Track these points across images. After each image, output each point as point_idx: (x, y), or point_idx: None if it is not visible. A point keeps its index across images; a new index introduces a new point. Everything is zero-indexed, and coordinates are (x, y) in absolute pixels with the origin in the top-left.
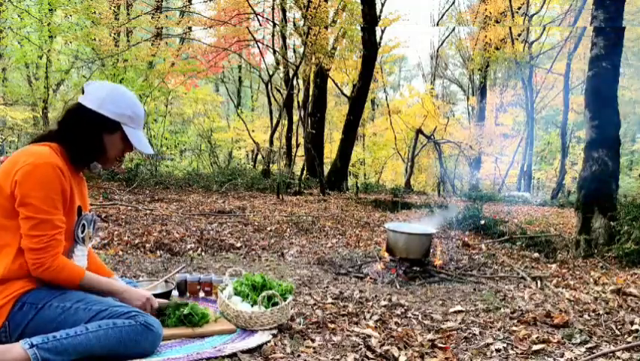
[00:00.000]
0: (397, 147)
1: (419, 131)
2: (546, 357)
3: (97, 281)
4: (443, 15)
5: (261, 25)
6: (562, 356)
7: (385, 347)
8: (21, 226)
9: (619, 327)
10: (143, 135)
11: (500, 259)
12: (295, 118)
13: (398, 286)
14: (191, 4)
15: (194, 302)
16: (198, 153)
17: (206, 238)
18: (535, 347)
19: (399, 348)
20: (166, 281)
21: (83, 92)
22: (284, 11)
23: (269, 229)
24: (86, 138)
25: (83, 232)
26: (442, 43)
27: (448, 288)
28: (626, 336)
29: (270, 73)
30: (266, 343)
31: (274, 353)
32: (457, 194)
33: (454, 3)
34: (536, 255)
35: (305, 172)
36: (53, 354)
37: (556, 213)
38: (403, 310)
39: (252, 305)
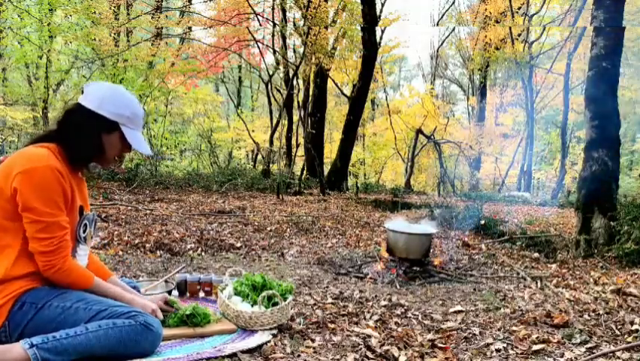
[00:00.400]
0: (397, 147)
1: (419, 131)
2: (546, 357)
3: (105, 288)
4: (443, 15)
5: (261, 25)
6: (562, 356)
7: (385, 347)
8: (27, 230)
9: (619, 327)
10: (142, 136)
11: (500, 259)
12: (295, 118)
13: (398, 286)
14: (191, 4)
15: (195, 303)
16: (198, 153)
17: (206, 238)
18: (535, 347)
19: (399, 348)
20: (166, 281)
21: (82, 93)
22: (284, 11)
23: (269, 229)
24: (84, 138)
25: (84, 232)
26: (442, 44)
27: (448, 288)
28: (626, 336)
29: (270, 73)
30: (266, 343)
31: (274, 353)
32: (457, 194)
33: (454, 3)
34: (536, 255)
35: (305, 172)
36: (53, 354)
37: (557, 213)
38: (403, 310)
39: (252, 305)
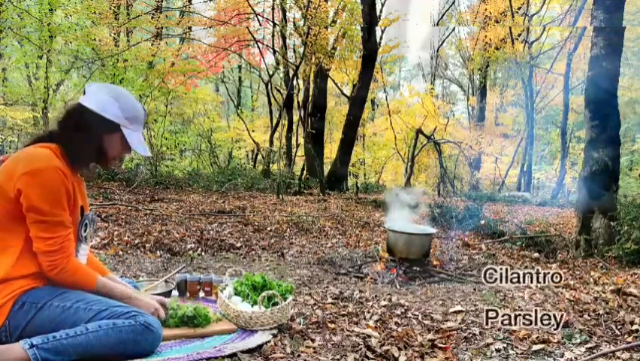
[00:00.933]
0: (397, 147)
1: (419, 131)
2: (546, 357)
3: (110, 287)
4: (443, 15)
5: (261, 25)
6: (562, 356)
7: (385, 347)
8: (31, 230)
9: (619, 327)
10: (142, 137)
11: (500, 259)
12: (295, 118)
13: (398, 286)
14: (191, 4)
15: (197, 303)
16: (198, 153)
17: (206, 238)
18: (535, 347)
19: (399, 348)
20: (166, 281)
21: (84, 93)
22: (284, 11)
23: (269, 228)
24: (86, 139)
25: (85, 231)
26: (442, 44)
27: (448, 288)
28: (626, 336)
29: (270, 73)
30: (266, 343)
31: (274, 353)
32: (457, 194)
33: (454, 3)
34: (536, 255)
35: (305, 172)
36: (53, 354)
37: (557, 213)
38: (403, 310)
39: (252, 305)
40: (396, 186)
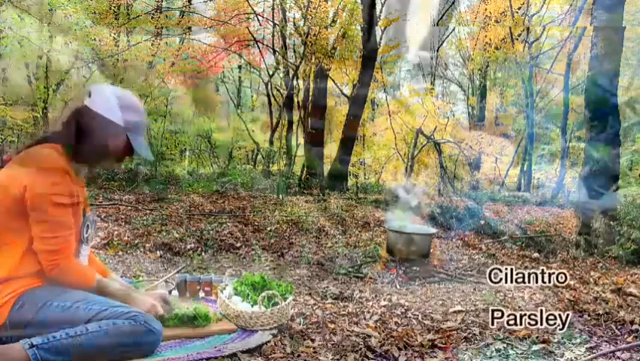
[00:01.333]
0: (397, 147)
1: (419, 131)
2: (546, 357)
3: (107, 285)
4: (443, 15)
5: (261, 25)
6: (562, 356)
7: (385, 347)
8: (33, 229)
9: (619, 327)
10: (145, 141)
11: (500, 259)
12: (295, 118)
13: (398, 286)
14: (191, 4)
15: (197, 303)
16: (198, 153)
17: (206, 238)
18: (535, 347)
19: (399, 348)
20: (166, 281)
21: (89, 95)
22: (284, 11)
23: (269, 228)
24: (91, 141)
25: (87, 232)
26: (442, 44)
27: (448, 288)
28: (626, 336)
29: (270, 73)
30: (266, 343)
31: (274, 353)
32: (457, 194)
33: (454, 3)
34: (536, 255)
35: (305, 172)
36: (53, 354)
37: (557, 213)
38: (403, 310)
39: (252, 305)
40: (397, 185)
